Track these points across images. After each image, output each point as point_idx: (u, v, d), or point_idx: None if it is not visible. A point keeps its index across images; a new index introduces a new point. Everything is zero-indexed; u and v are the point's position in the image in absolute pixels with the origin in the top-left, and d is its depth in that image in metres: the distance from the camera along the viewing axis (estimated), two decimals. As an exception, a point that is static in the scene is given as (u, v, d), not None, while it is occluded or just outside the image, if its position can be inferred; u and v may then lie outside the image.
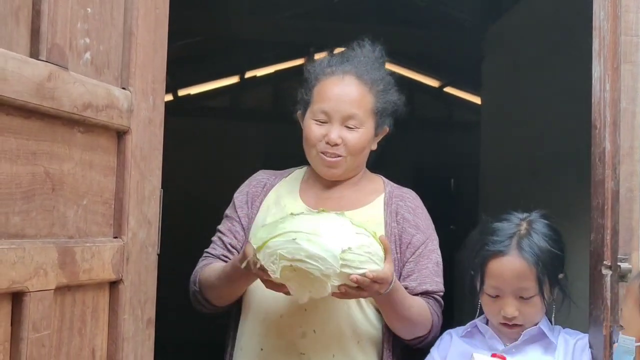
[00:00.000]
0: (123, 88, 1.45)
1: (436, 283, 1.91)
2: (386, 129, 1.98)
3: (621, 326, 1.64)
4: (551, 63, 4.95)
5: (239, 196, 2.07)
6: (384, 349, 1.88)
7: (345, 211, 1.82)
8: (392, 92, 1.95)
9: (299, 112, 2.01)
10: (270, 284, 1.68)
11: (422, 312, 1.86)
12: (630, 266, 1.68)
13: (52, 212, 1.27)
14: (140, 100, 1.49)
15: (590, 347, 1.79)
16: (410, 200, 1.96)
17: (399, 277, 1.87)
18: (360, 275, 1.63)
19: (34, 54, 1.20)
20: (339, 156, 1.88)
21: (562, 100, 4.79)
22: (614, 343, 1.69)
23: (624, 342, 1.48)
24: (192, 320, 6.96)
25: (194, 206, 7.57)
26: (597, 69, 1.78)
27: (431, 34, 6.33)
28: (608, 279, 1.72)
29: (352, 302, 1.86)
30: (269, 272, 1.62)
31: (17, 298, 1.17)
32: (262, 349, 1.89)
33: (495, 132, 5.84)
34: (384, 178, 2.04)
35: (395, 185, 2.02)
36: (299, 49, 8.21)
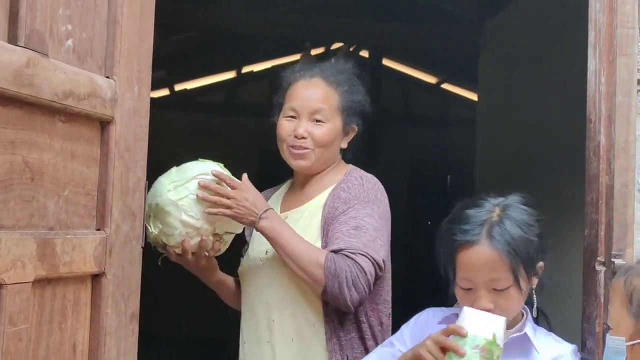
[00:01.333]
0: (107, 77, 1.42)
1: (345, 242, 1.90)
2: (355, 128, 2.11)
3: (609, 327, 1.59)
4: (548, 59, 4.92)
5: None
6: (327, 323, 1.97)
7: (301, 205, 2.07)
8: (357, 92, 2.11)
9: (275, 117, 2.15)
10: (173, 256, 1.95)
11: (311, 256, 1.89)
12: (624, 262, 1.65)
13: (31, 202, 1.23)
14: (124, 90, 1.46)
15: (583, 346, 1.76)
16: (350, 181, 2.04)
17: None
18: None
19: (12, 39, 1.17)
20: (306, 149, 2.04)
21: (558, 96, 4.77)
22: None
23: (614, 342, 1.43)
24: (184, 316, 6.95)
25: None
26: (593, 62, 1.75)
27: (428, 30, 6.30)
28: (602, 275, 1.69)
29: (299, 292, 1.98)
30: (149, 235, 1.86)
31: (-7, 291, 1.14)
32: (244, 342, 2.13)
33: (491, 128, 5.81)
34: (351, 168, 2.11)
35: (354, 171, 2.08)
36: (296, 44, 8.19)
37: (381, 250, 1.94)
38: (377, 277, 1.94)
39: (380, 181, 2.14)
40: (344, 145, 2.11)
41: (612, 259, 1.66)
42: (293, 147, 2.05)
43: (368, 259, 1.89)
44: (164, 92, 8.18)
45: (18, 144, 1.20)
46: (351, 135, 2.12)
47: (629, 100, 1.69)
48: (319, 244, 1.98)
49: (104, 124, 1.42)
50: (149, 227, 1.84)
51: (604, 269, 1.69)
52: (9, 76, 1.14)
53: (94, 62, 1.40)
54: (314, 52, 9.32)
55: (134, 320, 1.51)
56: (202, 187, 1.89)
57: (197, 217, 1.89)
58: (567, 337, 1.85)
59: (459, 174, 7.80)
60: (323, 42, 8.38)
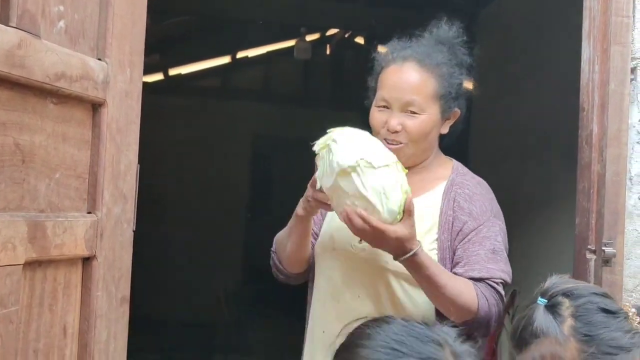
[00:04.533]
0: (99, 59, 1.41)
1: (487, 270, 1.81)
2: (457, 112, 1.95)
3: None
4: (542, 48, 4.92)
5: None
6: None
7: None
8: (459, 73, 1.94)
9: (368, 101, 1.99)
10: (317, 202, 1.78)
11: (463, 293, 1.77)
12: (615, 250, 1.66)
13: (22, 184, 1.23)
14: (116, 72, 1.45)
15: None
16: (469, 188, 1.91)
17: (450, 265, 1.84)
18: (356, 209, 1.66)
19: (4, 19, 1.16)
20: (400, 143, 1.87)
21: (553, 86, 4.77)
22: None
23: None
24: (174, 300, 6.96)
25: (184, 185, 7.55)
26: (587, 50, 1.75)
27: (422, 17, 6.28)
28: (592, 263, 1.70)
29: (399, 289, 1.85)
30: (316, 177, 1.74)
31: (-17, 272, 1.14)
32: (323, 332, 1.92)
33: (484, 118, 5.81)
34: (455, 163, 2.00)
35: (463, 171, 1.96)
36: (291, 29, 8.16)
37: (510, 270, 1.90)
38: None
39: None
40: (445, 130, 1.95)
41: (603, 248, 1.67)
42: (387, 140, 1.88)
43: (503, 285, 1.85)
44: (158, 76, 8.15)
45: (9, 125, 1.19)
46: (452, 120, 1.96)
47: (622, 89, 1.69)
48: (428, 248, 1.83)
49: (95, 107, 1.41)
50: (321, 174, 1.73)
51: (594, 257, 1.69)
52: (1, 57, 1.13)
53: (86, 44, 1.39)
54: (308, 38, 9.31)
55: (125, 303, 1.51)
56: (346, 218, 1.69)
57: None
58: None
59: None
60: (318, 27, 8.36)
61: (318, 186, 1.76)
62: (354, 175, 1.65)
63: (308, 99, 9.21)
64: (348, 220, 1.69)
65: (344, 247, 1.90)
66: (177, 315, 6.69)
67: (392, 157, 1.70)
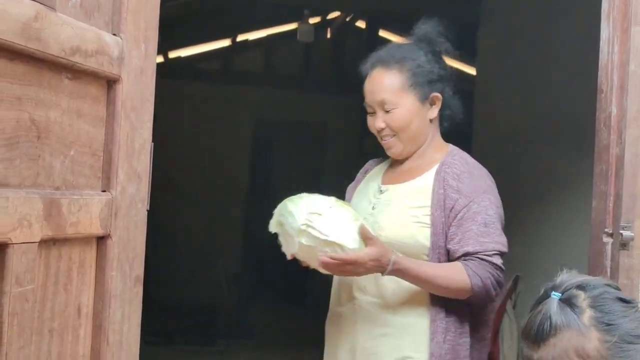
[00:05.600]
0: (114, 34, 1.38)
1: (480, 243, 1.94)
2: (438, 96, 2.10)
3: None
4: (548, 31, 4.89)
5: (350, 184, 2.31)
6: (433, 304, 1.99)
7: (403, 182, 2.10)
8: (426, 61, 2.09)
9: None
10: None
11: (454, 279, 1.93)
12: (632, 234, 1.64)
13: (37, 161, 1.20)
14: (131, 48, 1.42)
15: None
16: (457, 167, 2.04)
17: (444, 239, 1.98)
18: (325, 254, 1.87)
19: (20, -9, 1.13)
20: (391, 136, 2.09)
21: (559, 68, 4.74)
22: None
23: None
24: (176, 281, 6.95)
25: (184, 169, 7.52)
26: (606, 31, 1.73)
27: (427, 1, 6.24)
28: (609, 247, 1.68)
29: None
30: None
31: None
32: (331, 300, 2.16)
33: (489, 101, 5.78)
34: (451, 147, 2.14)
35: (454, 153, 2.10)
36: (292, 12, 8.11)
37: (505, 239, 2.02)
38: None
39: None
40: (433, 115, 2.10)
41: (620, 231, 1.65)
42: (382, 139, 2.11)
43: (500, 255, 1.98)
44: (159, 59, 8.10)
45: (25, 100, 1.16)
46: (437, 104, 2.11)
47: (643, 70, 1.67)
48: (420, 225, 2.01)
49: (110, 83, 1.39)
50: (275, 231, 1.98)
51: (612, 240, 1.67)
52: (17, 29, 1.11)
53: (101, 19, 1.36)
54: (311, 21, 9.25)
55: (139, 284, 1.49)
56: (324, 266, 1.90)
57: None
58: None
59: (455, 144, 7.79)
60: (319, 11, 8.30)
61: (290, 257, 1.98)
62: (310, 230, 1.88)
63: (309, 82, 9.17)
64: (326, 267, 1.90)
65: None
66: (179, 299, 6.68)
67: (331, 200, 1.95)
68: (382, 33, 8.18)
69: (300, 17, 8.85)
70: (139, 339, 1.50)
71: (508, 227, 5.62)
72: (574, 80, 4.49)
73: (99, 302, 1.38)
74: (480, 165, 2.09)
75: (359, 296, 2.06)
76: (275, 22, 8.69)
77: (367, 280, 2.03)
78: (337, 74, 9.02)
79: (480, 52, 6.03)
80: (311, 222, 1.89)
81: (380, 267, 1.90)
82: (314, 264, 1.94)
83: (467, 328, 2.00)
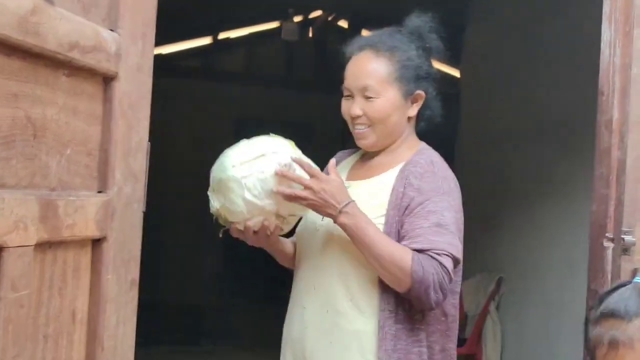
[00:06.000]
0: (111, 30, 1.34)
1: (430, 241, 1.83)
2: (421, 94, 2.00)
3: None
4: (536, 32, 4.89)
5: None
6: (381, 309, 1.89)
7: (366, 179, 2.01)
8: (417, 55, 1.99)
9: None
10: (235, 232, 1.93)
11: (397, 258, 1.81)
12: (634, 239, 1.62)
13: (34, 160, 1.16)
14: (129, 45, 1.37)
15: (587, 322, 1.73)
16: (421, 166, 1.95)
17: (396, 239, 1.88)
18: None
19: (17, -16, 1.08)
20: (366, 126, 1.98)
21: (545, 70, 4.74)
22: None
23: None
24: (163, 282, 6.87)
25: (164, 168, 7.44)
26: (607, 33, 1.71)
27: (412, 1, 6.23)
28: (610, 251, 1.66)
29: (345, 261, 1.92)
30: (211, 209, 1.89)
31: (-6, 253, 1.07)
32: (289, 303, 2.09)
33: (475, 103, 5.78)
34: (422, 146, 2.04)
35: (425, 152, 2.00)
36: (273, 10, 8.06)
37: (461, 246, 1.90)
38: None
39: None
40: (412, 113, 2.01)
41: (622, 236, 1.63)
42: (354, 126, 2.01)
43: (451, 259, 1.85)
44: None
45: (21, 97, 1.12)
46: (419, 102, 2.01)
47: (645, 73, 1.65)
48: (376, 223, 1.90)
49: (107, 80, 1.34)
50: (211, 200, 1.88)
51: (612, 245, 1.66)
52: (14, 23, 1.06)
53: (98, 14, 1.31)
54: (295, 19, 9.21)
55: (134, 287, 1.44)
56: (280, 175, 1.84)
57: (261, 198, 1.84)
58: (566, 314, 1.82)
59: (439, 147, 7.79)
60: (301, 9, 8.27)
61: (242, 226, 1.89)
62: (243, 181, 1.82)
63: (292, 81, 9.13)
64: (282, 176, 1.84)
65: (310, 227, 2.02)
66: (163, 299, 6.61)
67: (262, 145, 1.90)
68: (365, 33, 8.16)
69: (281, 16, 8.81)
70: (134, 343, 1.45)
71: (492, 229, 5.63)
72: (561, 81, 4.49)
73: (94, 306, 1.33)
74: (447, 167, 1.99)
75: (307, 302, 1.98)
76: (257, 20, 8.64)
77: (317, 280, 1.96)
78: (320, 73, 8.99)
79: (466, 54, 6.03)
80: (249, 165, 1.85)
81: (336, 202, 1.83)
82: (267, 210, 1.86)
83: (422, 337, 1.90)
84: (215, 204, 1.88)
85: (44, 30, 1.13)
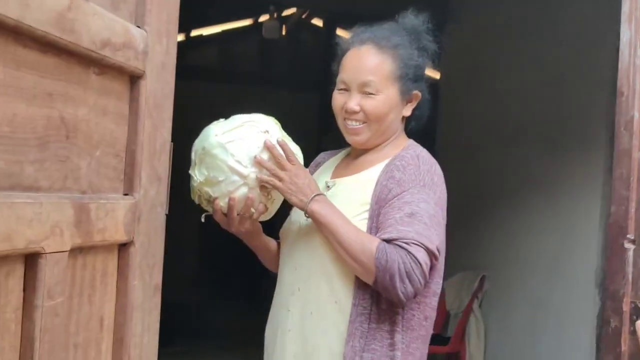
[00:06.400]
0: (138, 27, 1.29)
1: (398, 231, 1.78)
2: (417, 94, 1.98)
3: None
4: (518, 31, 4.90)
5: None
6: (354, 304, 1.85)
7: (350, 175, 1.98)
8: (419, 55, 1.96)
9: (332, 87, 2.03)
10: (218, 213, 1.89)
11: (362, 246, 1.78)
12: (656, 240, 1.62)
13: (66, 162, 1.11)
14: (155, 42, 1.33)
15: (606, 324, 1.73)
16: (405, 160, 1.91)
17: (376, 233, 1.84)
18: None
19: (53, -22, 1.03)
20: (361, 122, 1.94)
21: (527, 69, 4.76)
22: (634, 319, 1.64)
23: None
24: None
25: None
26: (627, 33, 1.70)
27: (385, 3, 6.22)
28: (631, 253, 1.66)
29: (332, 267, 1.88)
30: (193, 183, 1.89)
31: (31, 260, 1.02)
32: (272, 305, 2.04)
33: (455, 101, 5.78)
34: (409, 143, 2.00)
35: (412, 148, 1.96)
36: (247, 8, 8.00)
37: (436, 239, 1.82)
38: (431, 268, 1.81)
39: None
40: (407, 113, 1.99)
41: (644, 237, 1.62)
42: (347, 121, 1.96)
43: (423, 248, 1.77)
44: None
45: (55, 96, 1.07)
46: (414, 102, 1.99)
47: (666, 74, 1.65)
48: (360, 218, 1.88)
49: (134, 79, 1.29)
50: (193, 177, 1.84)
51: (634, 247, 1.65)
52: (52, 19, 1.01)
53: (127, 10, 1.27)
54: (263, 18, 9.15)
55: (158, 293, 1.40)
56: (267, 147, 1.83)
57: (245, 164, 1.81)
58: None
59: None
60: (275, 7, 8.22)
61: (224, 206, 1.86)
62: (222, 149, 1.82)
63: (265, 78, 9.09)
64: (260, 164, 1.82)
65: (294, 227, 2.00)
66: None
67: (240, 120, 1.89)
68: (340, 32, 8.14)
69: (255, 13, 8.75)
70: (156, 351, 1.41)
71: (474, 228, 5.63)
72: (544, 80, 4.51)
73: (120, 313, 1.28)
74: (433, 163, 1.94)
75: (291, 304, 1.94)
76: (230, 17, 8.57)
77: (300, 282, 1.93)
78: (294, 70, 8.95)
79: (445, 52, 6.03)
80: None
81: (310, 191, 1.84)
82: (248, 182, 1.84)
83: (401, 342, 1.84)
84: (198, 177, 1.85)
85: (79, 27, 1.08)
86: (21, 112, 0.99)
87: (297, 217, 1.98)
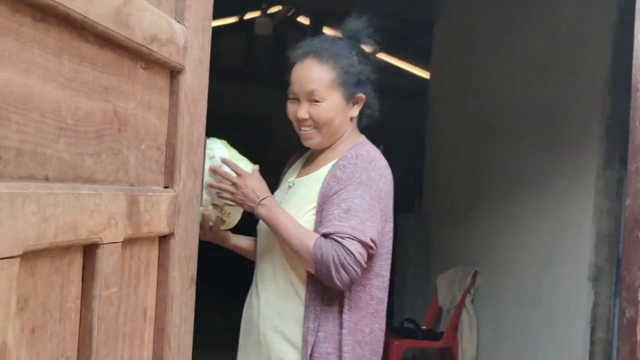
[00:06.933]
0: (178, 22, 1.31)
1: (335, 226, 2.01)
2: (362, 97, 2.19)
3: None
4: (508, 29, 4.95)
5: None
6: (308, 291, 2.10)
7: (307, 175, 2.21)
8: (357, 62, 2.17)
9: None
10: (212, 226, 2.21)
11: (302, 242, 2.03)
12: (672, 232, 1.66)
13: (118, 156, 1.13)
14: (192, 37, 1.35)
15: (621, 314, 1.77)
16: (347, 159, 2.11)
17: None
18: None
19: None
20: (312, 128, 2.14)
21: (519, 66, 4.81)
22: (649, 309, 1.68)
23: None
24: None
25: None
26: (641, 31, 1.74)
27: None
28: (646, 244, 1.70)
29: (287, 259, 2.13)
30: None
31: (89, 250, 1.04)
32: (249, 292, 2.30)
33: (446, 99, 5.83)
34: (360, 141, 2.19)
35: (355, 147, 2.16)
36: (230, 5, 7.98)
37: (370, 231, 2.03)
38: (369, 256, 2.05)
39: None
40: (354, 114, 2.20)
41: (660, 229, 1.67)
42: (300, 128, 2.17)
43: (356, 241, 2.00)
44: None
45: (110, 90, 1.09)
46: (360, 104, 2.20)
47: (680, 71, 1.69)
48: (310, 214, 2.11)
49: (173, 73, 1.31)
50: None
51: (649, 238, 1.69)
52: (112, 14, 1.03)
53: (168, 5, 1.29)
54: (248, 16, 9.15)
55: (193, 285, 1.42)
56: (212, 171, 2.08)
57: None
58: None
59: (407, 145, 7.86)
60: (258, 5, 8.23)
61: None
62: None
63: (252, 75, 9.09)
64: (219, 190, 2.11)
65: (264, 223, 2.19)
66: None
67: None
68: (327, 30, 8.16)
69: (240, 11, 8.75)
70: (192, 342, 1.43)
71: (466, 224, 5.69)
72: (536, 77, 4.56)
73: (161, 304, 1.31)
74: (372, 159, 2.11)
75: (262, 292, 2.18)
76: (216, 15, 8.57)
77: (269, 271, 2.18)
78: (280, 67, 8.95)
79: (436, 49, 6.09)
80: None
81: (256, 196, 2.08)
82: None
83: (350, 321, 2.07)
84: None
85: (133, 22, 1.10)
86: (83, 106, 1.01)
87: None
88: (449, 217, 5.56)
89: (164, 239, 1.31)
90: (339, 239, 1.99)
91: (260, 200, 2.09)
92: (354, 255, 1.98)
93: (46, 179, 0.92)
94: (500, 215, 4.93)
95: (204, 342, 3.02)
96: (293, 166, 2.34)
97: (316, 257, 1.99)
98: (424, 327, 5.23)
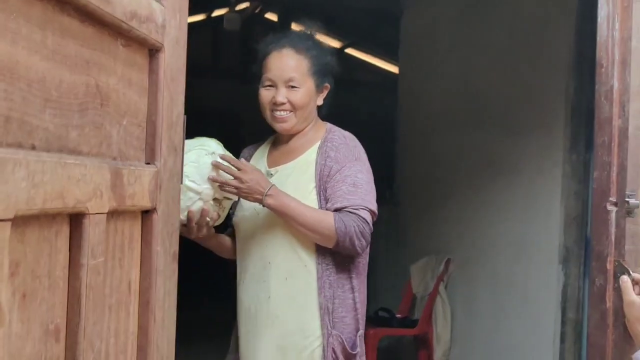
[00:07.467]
0: (156, 1, 1.34)
1: (348, 200, 2.22)
2: (328, 86, 2.42)
3: (621, 265, 1.69)
4: (474, 17, 5.01)
5: None
6: (319, 263, 2.27)
7: (290, 161, 2.36)
8: (325, 54, 2.41)
9: (256, 85, 2.41)
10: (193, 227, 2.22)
11: (321, 221, 2.18)
12: (638, 202, 1.72)
13: (101, 129, 1.15)
14: (170, 17, 1.38)
15: (592, 283, 1.83)
16: (336, 140, 2.33)
17: (325, 203, 2.24)
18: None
19: (91, -51, 1.07)
20: (288, 111, 2.33)
21: (484, 53, 4.88)
22: (617, 276, 1.74)
23: None
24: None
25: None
26: (605, 8, 1.80)
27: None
28: (613, 215, 1.76)
29: (294, 239, 2.27)
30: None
31: (75, 220, 1.06)
32: (242, 281, 2.40)
33: (414, 89, 5.89)
34: (328, 126, 2.41)
35: (333, 130, 2.38)
36: (198, 3, 7.96)
37: (374, 201, 2.29)
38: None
39: None
40: (320, 102, 2.41)
41: (627, 199, 1.72)
42: (274, 112, 2.34)
43: (367, 211, 2.24)
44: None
45: (92, 65, 1.11)
46: (325, 93, 2.42)
47: (643, 46, 1.75)
48: (311, 197, 2.27)
49: (152, 52, 1.34)
50: None
51: (616, 209, 1.75)
52: (92, -11, 1.05)
53: (146, -15, 1.31)
54: (218, 12, 9.14)
55: (175, 260, 1.45)
56: (215, 166, 2.16)
57: (198, 183, 2.14)
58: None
59: (379, 136, 7.90)
60: (226, 2, 8.23)
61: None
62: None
63: (220, 71, 9.08)
64: (218, 167, 2.17)
65: (250, 213, 2.35)
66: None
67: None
68: (295, 27, 8.18)
69: (208, 8, 8.74)
70: (175, 316, 1.46)
71: (438, 212, 5.73)
72: (501, 64, 4.63)
73: (145, 278, 1.33)
74: (355, 139, 2.37)
75: (267, 276, 2.30)
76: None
77: (271, 255, 2.29)
78: (248, 63, 8.94)
79: (404, 39, 6.14)
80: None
81: (262, 188, 2.19)
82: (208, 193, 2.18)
83: (354, 285, 2.28)
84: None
85: (113, -2, 1.12)
86: (66, 79, 1.03)
87: (250, 204, 2.30)
88: (420, 207, 5.62)
89: (146, 215, 1.34)
90: (355, 211, 2.20)
91: (267, 191, 2.20)
92: (368, 223, 2.22)
93: (33, 147, 0.95)
94: (471, 202, 4.99)
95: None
96: (255, 156, 2.48)
97: (340, 231, 2.17)
98: (398, 316, 5.28)
